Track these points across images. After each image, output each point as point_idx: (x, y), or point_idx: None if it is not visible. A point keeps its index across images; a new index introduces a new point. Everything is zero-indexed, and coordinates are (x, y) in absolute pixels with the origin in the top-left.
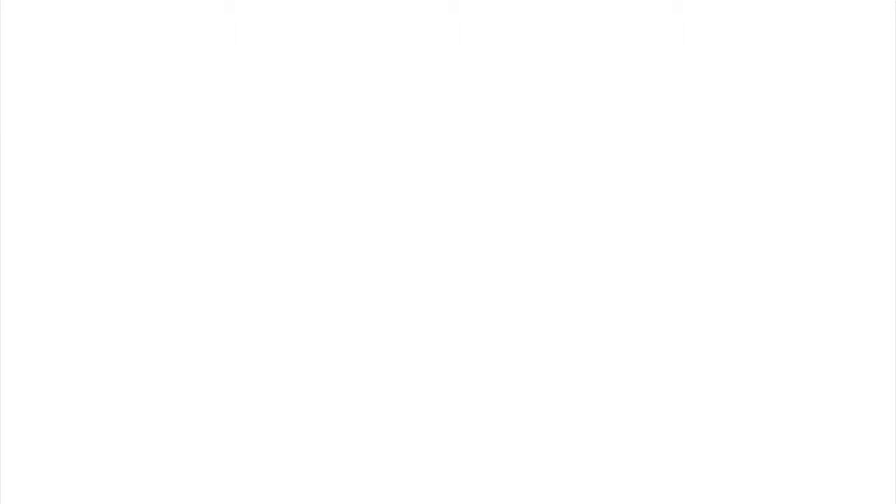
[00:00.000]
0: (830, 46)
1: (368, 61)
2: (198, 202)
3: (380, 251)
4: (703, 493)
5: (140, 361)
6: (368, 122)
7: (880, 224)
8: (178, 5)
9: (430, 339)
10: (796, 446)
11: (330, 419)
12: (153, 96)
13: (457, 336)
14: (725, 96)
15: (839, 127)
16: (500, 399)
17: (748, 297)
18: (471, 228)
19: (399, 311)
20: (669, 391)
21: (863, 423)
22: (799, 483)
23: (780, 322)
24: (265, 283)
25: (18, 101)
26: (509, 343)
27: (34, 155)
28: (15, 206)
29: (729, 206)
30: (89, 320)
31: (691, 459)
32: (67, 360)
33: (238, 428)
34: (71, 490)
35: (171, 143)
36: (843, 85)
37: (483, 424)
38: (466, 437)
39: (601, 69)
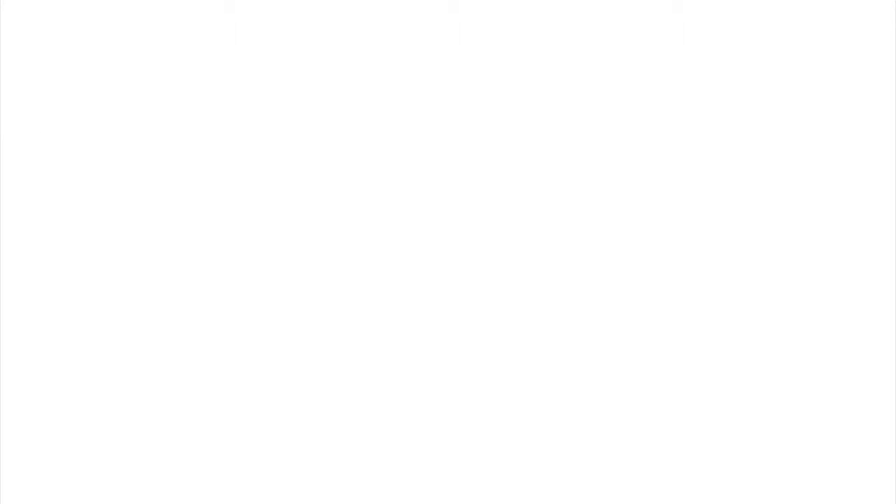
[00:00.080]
0: (830, 46)
1: (368, 61)
2: (198, 202)
3: (380, 251)
4: (703, 493)
5: (140, 361)
6: (368, 121)
7: (880, 224)
8: (178, 5)
9: (430, 338)
10: (796, 446)
11: (330, 418)
12: (153, 96)
13: (457, 335)
14: (725, 96)
15: (839, 127)
16: (500, 398)
17: (748, 296)
18: (471, 228)
19: (399, 310)
20: (669, 390)
21: (863, 422)
22: (799, 483)
23: (780, 321)
24: (265, 282)
25: (18, 101)
26: (509, 342)
27: (34, 155)
28: (15, 205)
29: (729, 206)
30: (89, 319)
31: (691, 459)
32: (67, 359)
33: (238, 428)
34: (71, 490)
35: (172, 142)
36: (844, 85)
37: (483, 424)
38: (466, 436)
39: (601, 69)
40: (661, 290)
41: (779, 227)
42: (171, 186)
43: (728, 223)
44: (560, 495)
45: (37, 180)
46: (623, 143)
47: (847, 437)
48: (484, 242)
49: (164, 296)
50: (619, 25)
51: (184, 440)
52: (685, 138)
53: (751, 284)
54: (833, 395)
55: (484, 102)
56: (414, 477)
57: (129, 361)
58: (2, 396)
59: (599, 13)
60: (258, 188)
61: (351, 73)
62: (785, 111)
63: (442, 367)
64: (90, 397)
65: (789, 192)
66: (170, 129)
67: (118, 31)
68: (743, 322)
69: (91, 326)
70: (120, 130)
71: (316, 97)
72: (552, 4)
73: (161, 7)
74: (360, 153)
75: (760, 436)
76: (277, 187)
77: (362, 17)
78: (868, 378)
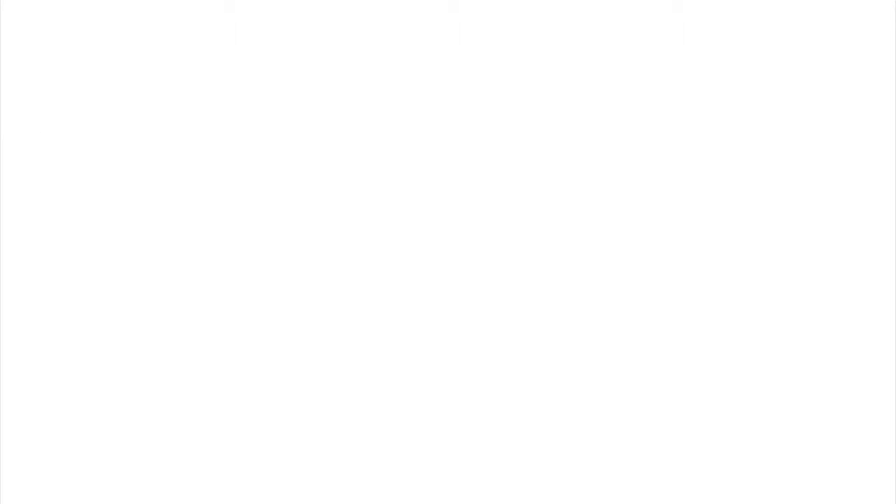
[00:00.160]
0: (830, 46)
1: (368, 61)
2: (198, 202)
3: (380, 251)
4: (704, 493)
5: (140, 361)
6: (368, 122)
7: (880, 224)
8: (178, 5)
9: (430, 337)
10: (796, 446)
11: (330, 418)
12: (153, 96)
13: (457, 335)
14: (725, 96)
15: (839, 127)
16: (499, 398)
17: (748, 296)
18: (471, 228)
19: (399, 310)
20: (669, 390)
21: (863, 422)
22: (799, 483)
23: (780, 321)
24: (265, 282)
25: (18, 101)
26: (509, 342)
27: (34, 155)
28: (15, 205)
29: (729, 206)
30: (89, 319)
31: (691, 459)
32: (67, 359)
33: (238, 428)
34: (71, 490)
35: (171, 142)
36: (844, 85)
37: (483, 423)
38: (466, 436)
39: (601, 69)
40: (661, 290)
41: (779, 226)
42: (172, 186)
43: (728, 223)
44: (560, 495)
45: (37, 180)
46: (623, 143)
47: (847, 436)
48: (484, 242)
49: (163, 295)
50: (619, 25)
51: (183, 440)
52: (685, 138)
53: (751, 284)
54: (833, 395)
55: (484, 102)
56: (414, 477)
57: (129, 361)
58: (2, 396)
59: (599, 13)
60: (258, 187)
61: (351, 72)
62: (785, 111)
63: (442, 366)
64: (90, 397)
65: (789, 191)
66: (170, 128)
67: (118, 31)
68: (743, 321)
69: (91, 325)
70: (120, 130)
71: (316, 97)
72: (552, 4)
73: (161, 7)
74: (360, 153)
75: (760, 435)
76: (277, 187)
77: (362, 16)
78: (868, 378)
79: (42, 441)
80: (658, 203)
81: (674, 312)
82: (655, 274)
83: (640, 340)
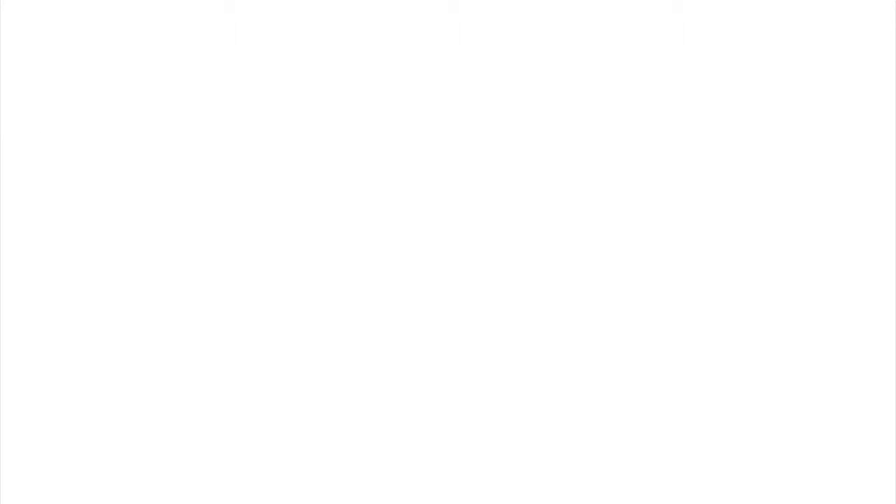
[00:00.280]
0: (830, 46)
1: (368, 61)
2: (198, 202)
3: (380, 251)
4: (704, 493)
5: (140, 361)
6: (368, 121)
7: (880, 224)
8: (178, 5)
9: (430, 337)
10: (796, 446)
11: (330, 418)
12: (153, 96)
13: (457, 335)
14: (725, 96)
15: (839, 127)
16: (499, 398)
17: (748, 296)
18: (471, 228)
19: (399, 310)
20: (669, 390)
21: (863, 422)
22: (799, 483)
23: (780, 321)
24: (265, 282)
25: (18, 101)
26: (509, 342)
27: (34, 155)
28: (15, 205)
29: (729, 206)
30: (89, 319)
31: (691, 459)
32: (67, 359)
33: (238, 428)
34: (71, 490)
35: (171, 142)
36: (844, 85)
37: (483, 424)
38: (466, 436)
39: (601, 69)
40: (660, 290)
41: (778, 226)
42: (171, 186)
43: (728, 222)
44: (560, 495)
45: (37, 180)
46: (623, 143)
47: (847, 436)
48: (484, 242)
49: (163, 295)
50: (620, 25)
51: (183, 439)
52: (685, 138)
53: (750, 283)
54: (833, 395)
55: (484, 102)
56: (413, 477)
57: (129, 361)
58: (2, 396)
59: (599, 13)
60: (258, 187)
61: (351, 72)
62: (785, 111)
63: (442, 365)
64: (90, 396)
65: (789, 191)
66: (170, 128)
67: (118, 31)
68: (742, 320)
69: (90, 325)
70: (120, 130)
71: (316, 97)
72: (552, 4)
73: (161, 7)
74: (360, 153)
75: (760, 435)
76: (277, 187)
77: (362, 17)
78: (868, 377)
79: (42, 441)
80: (658, 202)
81: (674, 311)
82: (655, 274)
83: (640, 340)
